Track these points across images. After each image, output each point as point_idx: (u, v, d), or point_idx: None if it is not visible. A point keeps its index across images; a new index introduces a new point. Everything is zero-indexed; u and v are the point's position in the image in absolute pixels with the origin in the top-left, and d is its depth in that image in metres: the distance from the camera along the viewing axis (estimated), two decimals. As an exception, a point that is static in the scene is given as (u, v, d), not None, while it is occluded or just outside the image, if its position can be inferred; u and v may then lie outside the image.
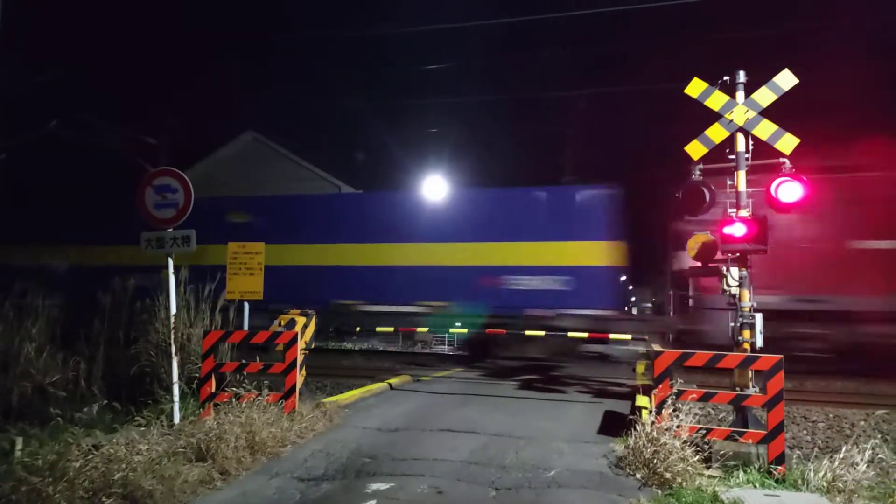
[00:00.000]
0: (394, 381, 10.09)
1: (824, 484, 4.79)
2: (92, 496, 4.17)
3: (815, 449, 7.02)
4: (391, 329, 11.12)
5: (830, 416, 8.55)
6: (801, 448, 7.08)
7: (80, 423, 5.76)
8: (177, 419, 6.19)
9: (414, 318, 13.99)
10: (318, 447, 5.93)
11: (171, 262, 6.64)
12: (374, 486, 4.85)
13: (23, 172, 20.25)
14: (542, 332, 10.14)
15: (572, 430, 6.75)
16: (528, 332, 10.19)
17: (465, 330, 13.57)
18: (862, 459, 4.90)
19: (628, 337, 9.36)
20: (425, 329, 13.72)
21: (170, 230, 6.62)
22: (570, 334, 10.48)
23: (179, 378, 6.49)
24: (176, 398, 6.30)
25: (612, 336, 9.74)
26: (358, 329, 14.90)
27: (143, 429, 5.79)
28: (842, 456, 4.99)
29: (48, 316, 7.75)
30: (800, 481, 4.96)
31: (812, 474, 4.92)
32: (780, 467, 5.08)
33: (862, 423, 8.16)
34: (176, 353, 6.49)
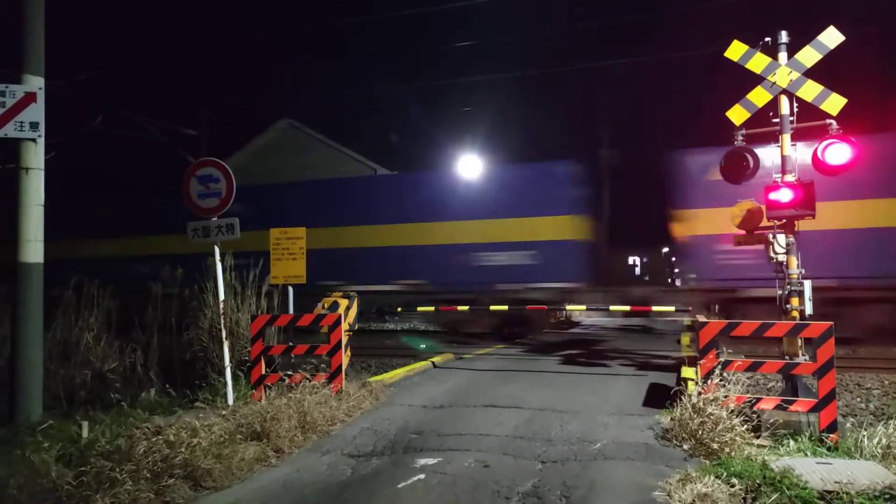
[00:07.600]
0: (437, 359, 10.22)
1: (879, 451, 4.68)
2: (155, 477, 4.37)
3: (870, 416, 6.86)
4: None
5: (886, 382, 8.32)
6: (855, 416, 6.91)
7: (139, 407, 6.04)
8: (230, 401, 6.41)
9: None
10: (366, 425, 6.07)
11: (217, 250, 6.83)
12: (422, 461, 4.96)
13: (73, 169, 20.97)
14: None
15: (617, 403, 6.75)
16: None
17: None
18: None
19: (672, 309, 9.24)
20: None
21: (214, 219, 6.79)
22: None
23: (230, 361, 6.71)
24: (229, 381, 6.52)
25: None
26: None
27: (199, 411, 6.01)
28: (896, 422, 4.88)
29: (104, 306, 8.08)
30: (853, 449, 4.86)
31: (866, 441, 4.82)
32: (832, 435, 5.00)
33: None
34: (227, 338, 6.70)
